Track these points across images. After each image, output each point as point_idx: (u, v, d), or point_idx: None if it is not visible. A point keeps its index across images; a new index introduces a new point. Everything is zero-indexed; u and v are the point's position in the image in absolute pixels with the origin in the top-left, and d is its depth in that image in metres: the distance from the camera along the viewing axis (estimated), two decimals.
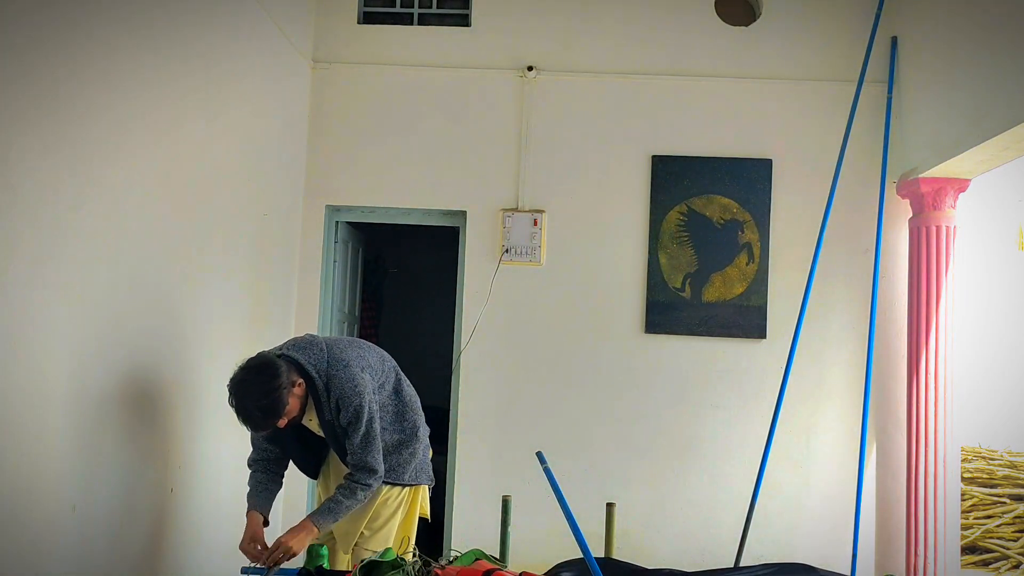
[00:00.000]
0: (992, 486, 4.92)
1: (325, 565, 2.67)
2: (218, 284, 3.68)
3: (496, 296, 4.72)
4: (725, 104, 4.77)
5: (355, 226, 5.23)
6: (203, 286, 3.49)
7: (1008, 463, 4.96)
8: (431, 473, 3.23)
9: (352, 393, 2.86)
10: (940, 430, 4.34)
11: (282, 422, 2.80)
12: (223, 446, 3.60)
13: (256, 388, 2.71)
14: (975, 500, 4.86)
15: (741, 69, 4.77)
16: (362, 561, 2.52)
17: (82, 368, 2.68)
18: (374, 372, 3.01)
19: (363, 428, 2.88)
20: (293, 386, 2.79)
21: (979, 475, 4.95)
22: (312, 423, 3.00)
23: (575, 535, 2.45)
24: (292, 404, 2.80)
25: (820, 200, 4.61)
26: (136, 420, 3.03)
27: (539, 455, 2.79)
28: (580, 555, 2.48)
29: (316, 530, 2.86)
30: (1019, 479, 4.91)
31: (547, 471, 2.68)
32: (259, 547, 2.85)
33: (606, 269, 4.75)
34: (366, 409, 2.88)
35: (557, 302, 4.75)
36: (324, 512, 2.90)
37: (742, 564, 4.21)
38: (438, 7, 4.99)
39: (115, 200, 2.84)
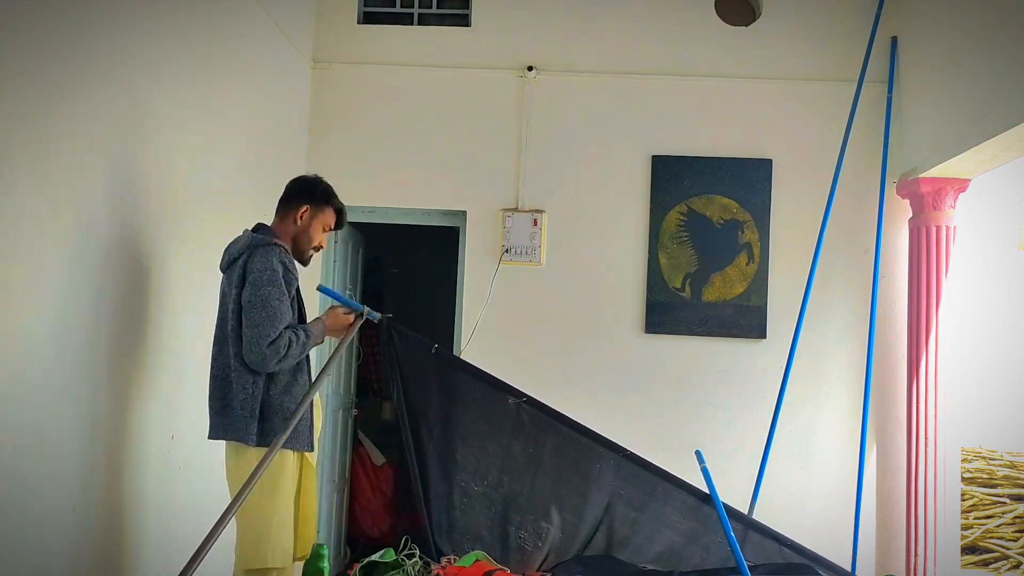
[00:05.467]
0: (992, 486, 4.92)
1: (326, 566, 2.68)
2: (217, 284, 3.67)
3: (496, 296, 4.72)
4: (725, 104, 4.77)
5: (355, 226, 5.22)
6: (203, 286, 3.48)
7: (1008, 463, 4.97)
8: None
9: (264, 268, 2.84)
10: (940, 430, 4.33)
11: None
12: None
13: None
14: (975, 500, 4.87)
15: (741, 69, 4.77)
16: (361, 561, 2.53)
17: (82, 367, 2.68)
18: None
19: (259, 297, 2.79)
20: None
21: (979, 475, 4.95)
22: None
23: (728, 539, 2.47)
24: None
25: (820, 200, 4.60)
26: (137, 420, 3.03)
27: (697, 453, 2.82)
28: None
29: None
30: (1019, 479, 4.91)
31: (704, 471, 2.72)
32: None
33: (606, 269, 4.75)
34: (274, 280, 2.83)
35: (557, 302, 4.75)
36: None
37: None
38: (438, 7, 4.99)
39: (113, 199, 2.84)
